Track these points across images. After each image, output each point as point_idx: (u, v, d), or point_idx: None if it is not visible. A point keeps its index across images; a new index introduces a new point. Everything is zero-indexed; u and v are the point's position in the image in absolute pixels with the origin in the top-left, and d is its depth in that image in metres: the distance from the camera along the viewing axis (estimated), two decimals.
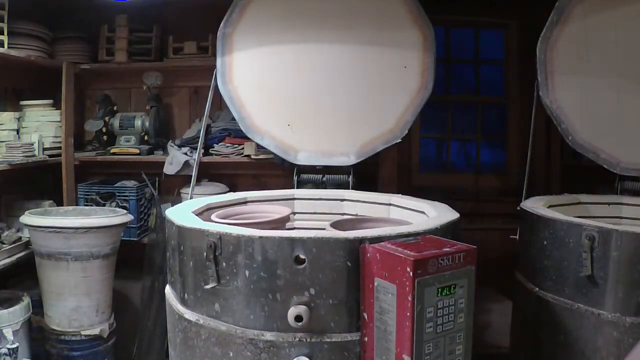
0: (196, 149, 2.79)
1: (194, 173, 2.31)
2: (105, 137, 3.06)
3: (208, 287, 1.33)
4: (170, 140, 3.11)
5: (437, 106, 3.41)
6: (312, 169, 2.36)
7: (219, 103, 2.92)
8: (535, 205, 1.92)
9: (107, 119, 3.04)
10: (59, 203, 2.93)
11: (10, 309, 2.25)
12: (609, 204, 2.15)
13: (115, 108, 3.13)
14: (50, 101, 2.98)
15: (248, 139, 2.54)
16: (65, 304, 2.42)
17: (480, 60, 3.50)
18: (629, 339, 1.52)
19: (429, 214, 1.68)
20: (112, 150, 3.03)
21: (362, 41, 2.32)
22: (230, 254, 1.31)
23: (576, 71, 2.20)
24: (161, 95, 3.19)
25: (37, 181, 3.04)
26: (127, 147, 3.03)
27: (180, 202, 2.26)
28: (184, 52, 3.05)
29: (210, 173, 3.12)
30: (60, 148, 2.95)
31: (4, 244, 2.52)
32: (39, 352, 2.51)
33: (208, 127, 2.95)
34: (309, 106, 2.33)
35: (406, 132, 2.29)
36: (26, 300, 2.37)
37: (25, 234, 2.59)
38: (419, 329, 1.12)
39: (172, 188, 3.13)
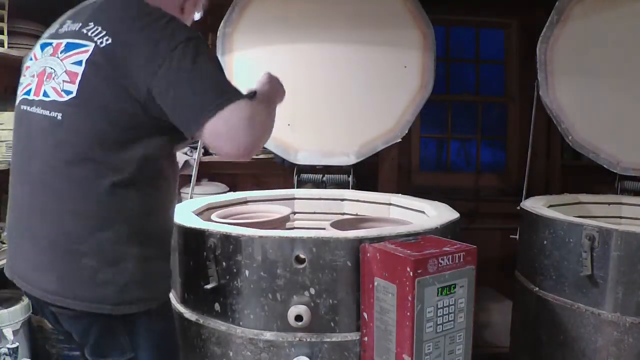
0: (196, 148, 2.78)
1: (194, 173, 2.31)
2: None
3: (208, 287, 1.33)
4: None
5: (437, 106, 3.40)
6: (312, 169, 2.36)
7: None
8: (535, 205, 1.92)
9: None
10: None
11: (10, 309, 2.24)
12: (609, 203, 2.15)
13: None
14: None
15: None
16: None
17: (480, 59, 3.50)
18: (629, 339, 1.52)
19: (429, 214, 1.68)
20: None
21: (362, 41, 2.31)
22: (230, 253, 1.31)
23: (576, 71, 2.20)
24: None
25: None
26: None
27: (180, 202, 2.26)
28: None
29: (210, 173, 3.11)
30: None
31: (4, 243, 2.51)
32: (39, 352, 2.51)
33: None
34: (309, 105, 2.33)
35: (406, 131, 2.29)
36: (26, 300, 2.36)
37: None
38: (419, 329, 1.12)
39: None
